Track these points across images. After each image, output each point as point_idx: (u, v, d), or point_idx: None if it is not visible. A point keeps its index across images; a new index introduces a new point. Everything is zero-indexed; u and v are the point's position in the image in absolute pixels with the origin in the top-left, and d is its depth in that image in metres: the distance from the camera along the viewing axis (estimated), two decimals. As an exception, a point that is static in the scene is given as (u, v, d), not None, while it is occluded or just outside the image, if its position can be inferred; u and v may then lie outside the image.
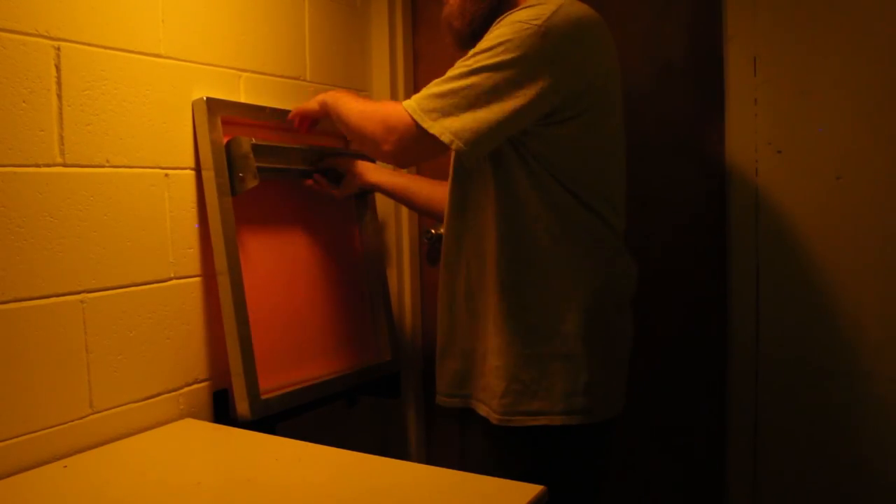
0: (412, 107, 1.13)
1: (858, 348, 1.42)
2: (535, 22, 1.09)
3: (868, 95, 1.38)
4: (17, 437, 1.10)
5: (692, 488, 1.65)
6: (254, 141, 1.39)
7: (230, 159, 1.39)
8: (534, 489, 0.94)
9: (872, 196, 1.39)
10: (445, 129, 1.10)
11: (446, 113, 1.10)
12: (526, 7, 1.13)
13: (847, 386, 1.43)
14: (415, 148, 1.17)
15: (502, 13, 1.16)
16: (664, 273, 1.63)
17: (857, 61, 1.39)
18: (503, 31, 1.11)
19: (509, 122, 1.11)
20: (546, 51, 1.09)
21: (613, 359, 1.23)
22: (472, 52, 1.14)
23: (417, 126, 1.12)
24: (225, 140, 1.40)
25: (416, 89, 1.96)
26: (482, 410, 1.23)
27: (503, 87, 1.09)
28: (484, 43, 1.12)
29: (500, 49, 1.09)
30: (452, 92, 1.11)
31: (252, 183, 1.37)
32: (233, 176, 1.39)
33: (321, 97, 1.41)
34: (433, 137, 1.11)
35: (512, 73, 1.09)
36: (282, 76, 1.63)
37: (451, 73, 1.14)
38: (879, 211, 1.38)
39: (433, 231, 1.90)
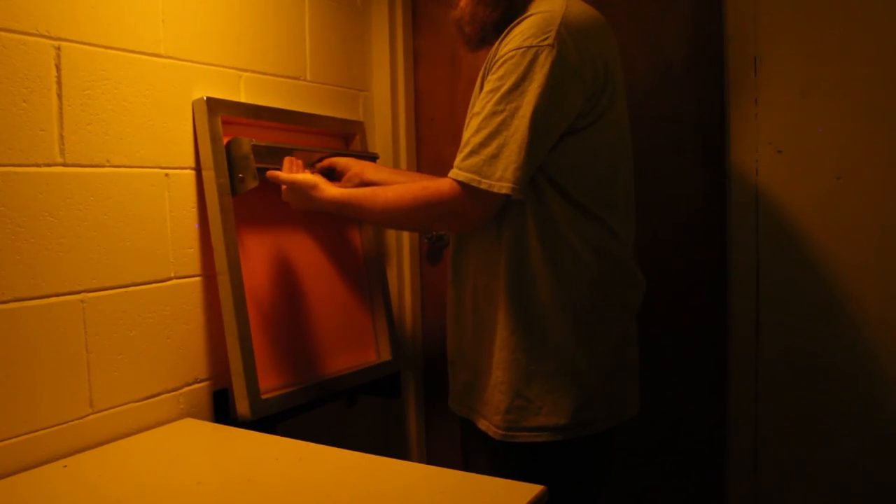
0: (462, 176, 1.11)
1: (858, 347, 1.42)
2: (545, 43, 1.08)
3: (868, 95, 1.38)
4: (17, 437, 1.10)
5: (692, 487, 1.65)
6: (254, 142, 1.38)
7: (230, 160, 1.39)
8: (534, 489, 0.94)
9: (872, 196, 1.39)
10: (495, 182, 1.08)
11: (488, 166, 1.09)
12: (533, 15, 1.12)
13: (847, 384, 1.43)
14: (484, 211, 1.14)
15: (513, 19, 1.14)
16: (664, 272, 1.63)
17: (857, 61, 1.39)
18: (515, 59, 1.09)
19: (542, 148, 1.11)
20: (560, 72, 1.08)
21: (619, 370, 1.22)
22: (486, 88, 1.12)
23: (472, 191, 1.10)
24: (225, 140, 1.40)
25: (417, 89, 1.97)
26: (482, 425, 1.22)
27: (525, 116, 1.08)
28: (497, 72, 1.11)
29: (515, 79, 1.09)
30: (482, 143, 1.10)
31: (252, 184, 1.37)
32: (233, 177, 1.39)
33: (325, 196, 1.31)
34: (491, 195, 1.10)
35: (532, 100, 1.07)
36: (282, 76, 1.63)
37: (474, 122, 1.12)
38: (879, 211, 1.39)
39: (433, 231, 1.90)
